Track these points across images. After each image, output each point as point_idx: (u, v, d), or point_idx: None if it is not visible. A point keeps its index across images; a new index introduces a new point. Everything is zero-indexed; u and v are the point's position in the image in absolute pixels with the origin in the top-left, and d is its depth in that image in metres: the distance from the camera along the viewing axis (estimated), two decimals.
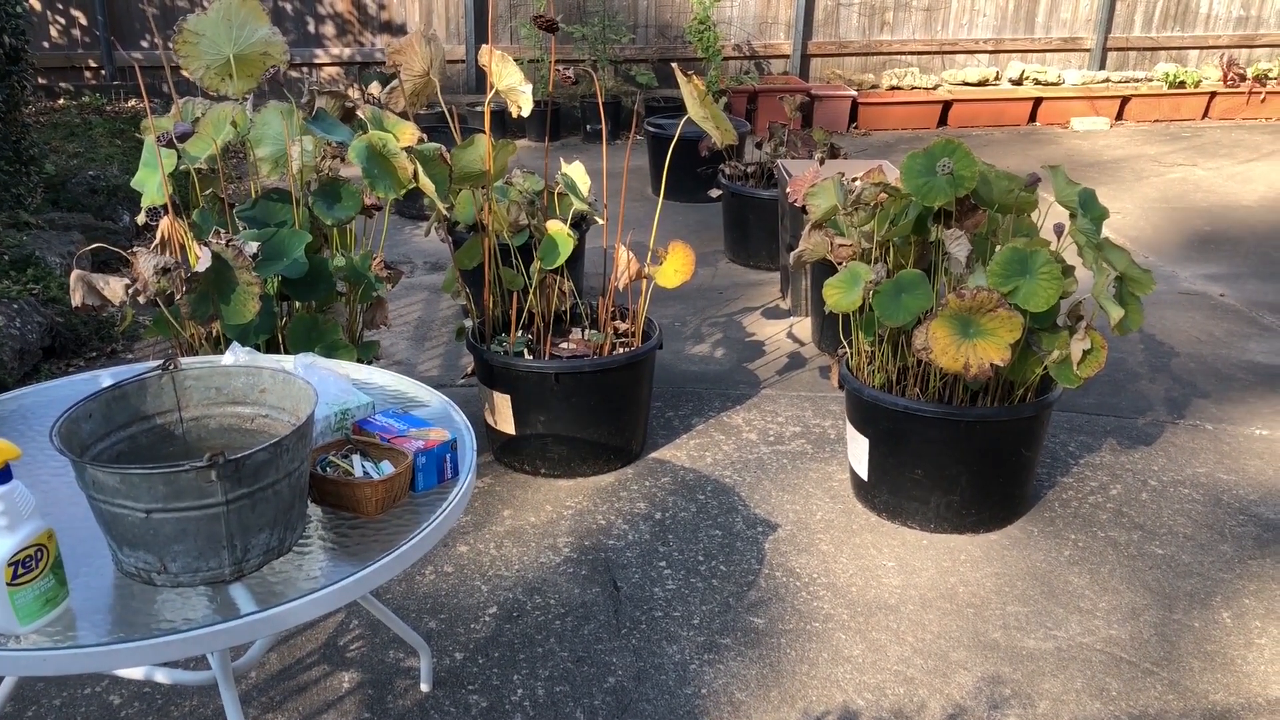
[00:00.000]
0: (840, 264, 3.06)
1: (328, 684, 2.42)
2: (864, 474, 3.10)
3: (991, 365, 2.69)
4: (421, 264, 5.38)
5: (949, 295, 2.72)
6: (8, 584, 1.48)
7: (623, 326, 3.44)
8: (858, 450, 3.09)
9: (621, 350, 3.33)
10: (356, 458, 1.89)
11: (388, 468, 1.87)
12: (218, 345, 2.86)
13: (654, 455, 3.46)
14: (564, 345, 3.37)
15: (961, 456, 2.91)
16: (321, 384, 1.99)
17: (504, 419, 3.27)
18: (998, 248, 2.87)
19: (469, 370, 3.85)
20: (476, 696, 2.38)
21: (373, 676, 2.44)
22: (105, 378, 2.33)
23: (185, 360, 2.01)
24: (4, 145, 4.61)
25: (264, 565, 1.67)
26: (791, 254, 3.17)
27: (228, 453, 1.53)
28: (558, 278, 3.45)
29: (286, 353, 2.83)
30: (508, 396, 3.23)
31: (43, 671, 1.48)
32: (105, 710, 2.33)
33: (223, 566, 1.62)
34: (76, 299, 2.61)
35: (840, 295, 2.91)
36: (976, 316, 2.70)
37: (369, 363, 3.01)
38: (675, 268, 3.15)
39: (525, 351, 3.31)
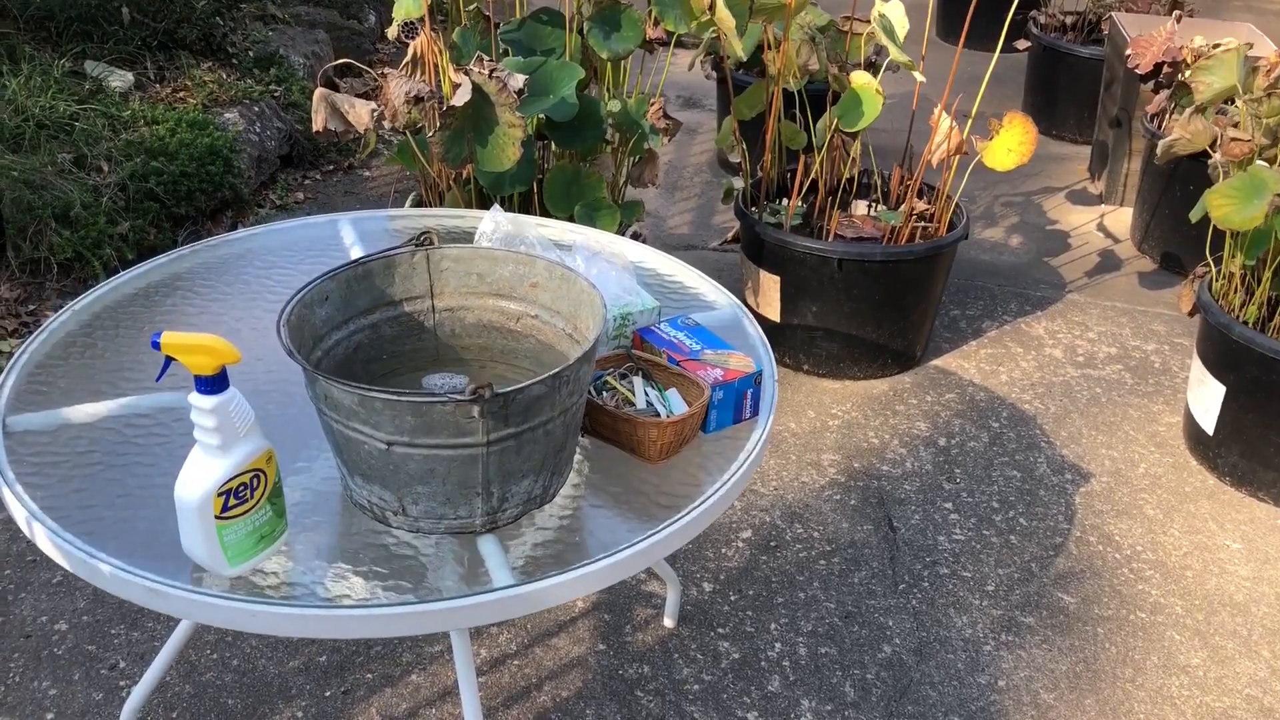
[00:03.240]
0: (1223, 164, 2.40)
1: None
2: (1208, 426, 2.51)
3: None
4: (674, 98, 4.88)
5: None
6: (216, 517, 1.17)
7: (921, 207, 2.89)
8: (1205, 396, 2.50)
9: (920, 239, 2.79)
10: (638, 381, 1.49)
11: (675, 398, 1.47)
12: (465, 186, 2.50)
13: (936, 363, 2.95)
14: (850, 223, 2.86)
15: None
16: (601, 278, 1.58)
17: (768, 303, 2.82)
18: None
19: (729, 237, 3.40)
20: (727, 644, 2.03)
21: (611, 599, 2.12)
22: (344, 223, 2.01)
23: (447, 247, 1.63)
24: None
25: (522, 515, 1.31)
26: (1160, 144, 2.52)
27: (495, 386, 1.15)
28: (849, 140, 2.91)
29: (541, 209, 2.44)
30: (777, 278, 2.76)
31: (249, 628, 1.18)
32: None
33: (474, 516, 1.27)
34: (319, 122, 2.28)
35: (1233, 208, 2.27)
36: None
37: (629, 226, 2.60)
38: (1010, 145, 2.54)
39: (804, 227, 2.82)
